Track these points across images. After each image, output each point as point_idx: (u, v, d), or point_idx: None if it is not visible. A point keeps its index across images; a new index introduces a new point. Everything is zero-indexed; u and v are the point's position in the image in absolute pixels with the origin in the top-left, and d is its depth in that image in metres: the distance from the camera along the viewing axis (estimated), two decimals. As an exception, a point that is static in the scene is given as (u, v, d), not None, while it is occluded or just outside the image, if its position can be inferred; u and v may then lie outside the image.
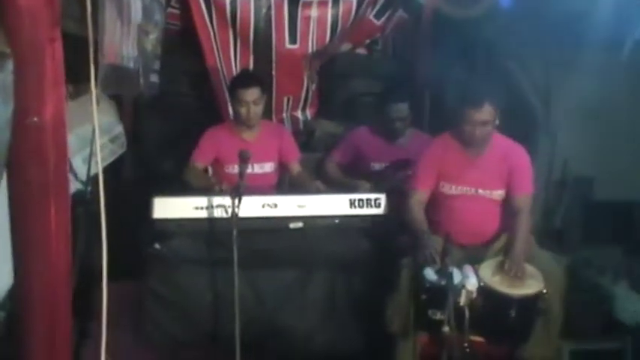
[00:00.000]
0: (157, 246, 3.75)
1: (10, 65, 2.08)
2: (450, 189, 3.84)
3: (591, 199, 5.13)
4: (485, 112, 3.66)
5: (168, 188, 4.21)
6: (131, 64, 3.57)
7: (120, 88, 3.79)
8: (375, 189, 4.29)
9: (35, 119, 2.18)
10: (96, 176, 2.88)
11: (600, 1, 4.30)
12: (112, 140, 4.30)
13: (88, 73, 2.50)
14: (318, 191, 4.14)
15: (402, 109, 4.58)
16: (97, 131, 2.58)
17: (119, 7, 3.10)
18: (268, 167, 4.48)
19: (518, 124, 4.37)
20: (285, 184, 4.59)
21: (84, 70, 2.51)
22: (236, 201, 3.52)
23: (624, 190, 4.92)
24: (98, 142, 2.92)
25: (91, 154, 3.28)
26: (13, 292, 2.50)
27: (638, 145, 4.79)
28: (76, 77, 2.76)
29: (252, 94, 4.24)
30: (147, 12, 3.69)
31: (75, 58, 2.56)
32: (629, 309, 4.31)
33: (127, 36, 3.31)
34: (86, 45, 2.52)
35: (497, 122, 3.73)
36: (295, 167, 4.56)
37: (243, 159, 3.76)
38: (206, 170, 4.50)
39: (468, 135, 3.73)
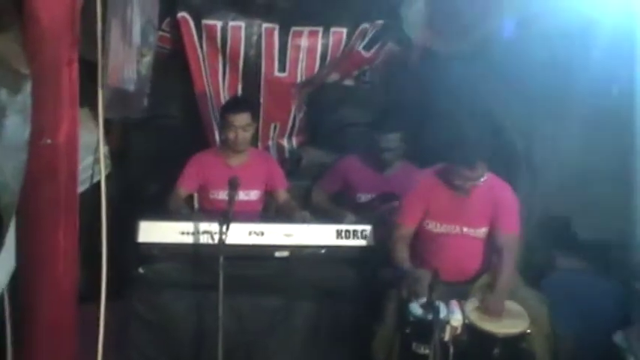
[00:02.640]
0: (142, 270, 3.72)
1: (29, 86, 2.07)
2: (436, 227, 3.87)
3: (570, 239, 5.16)
4: (478, 170, 3.70)
5: (153, 211, 4.19)
6: (132, 87, 3.57)
7: (122, 112, 3.78)
8: (362, 220, 4.29)
9: (49, 141, 2.16)
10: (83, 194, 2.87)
11: (585, 48, 4.37)
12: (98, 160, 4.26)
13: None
14: (303, 221, 4.12)
15: (392, 139, 4.59)
16: (102, 154, 2.55)
17: (123, 29, 3.10)
18: (254, 195, 4.46)
19: (501, 162, 4.40)
20: (271, 212, 4.57)
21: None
22: (224, 227, 3.51)
23: (602, 230, 4.95)
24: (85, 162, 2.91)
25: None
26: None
27: (614, 186, 4.82)
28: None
29: (242, 119, 4.25)
30: (143, 35, 3.69)
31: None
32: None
33: (128, 59, 3.31)
34: (86, 67, 2.51)
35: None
36: (282, 195, 4.54)
37: (233, 186, 3.76)
38: (192, 196, 4.46)
39: (458, 186, 3.78)
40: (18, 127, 2.00)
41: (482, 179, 3.74)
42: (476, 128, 4.63)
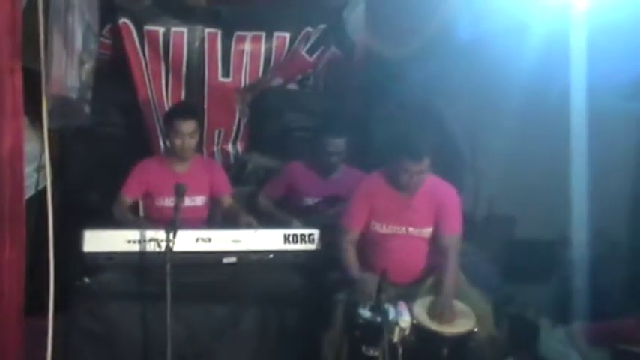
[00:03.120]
0: (87, 280, 3.66)
1: None
2: (382, 228, 3.89)
3: (514, 237, 5.26)
4: (424, 164, 3.73)
5: (96, 219, 4.13)
6: (74, 95, 3.51)
7: (64, 120, 3.71)
8: (308, 224, 4.30)
9: None
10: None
11: (529, 47, 4.46)
12: (37, 170, 4.19)
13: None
14: (249, 226, 4.10)
15: (338, 144, 4.61)
16: (48, 162, 2.50)
17: (65, 36, 3.05)
18: (199, 201, 4.44)
19: (445, 163, 4.45)
20: (216, 217, 4.55)
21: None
22: (171, 235, 3.49)
23: (544, 229, 5.05)
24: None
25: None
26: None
27: (557, 185, 4.92)
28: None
29: (189, 126, 4.22)
30: (85, 41, 3.63)
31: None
32: (552, 346, 4.40)
33: (71, 66, 3.26)
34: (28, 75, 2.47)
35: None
36: (227, 201, 4.52)
37: (179, 193, 3.73)
38: (136, 204, 4.42)
39: (404, 182, 3.79)
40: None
41: (425, 174, 3.77)
42: (421, 124, 4.71)
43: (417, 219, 3.88)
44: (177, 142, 4.24)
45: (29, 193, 3.68)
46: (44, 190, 4.28)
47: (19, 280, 2.39)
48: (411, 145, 3.76)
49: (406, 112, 5.01)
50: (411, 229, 3.87)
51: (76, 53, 3.41)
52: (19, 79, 2.20)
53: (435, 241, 3.90)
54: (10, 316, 2.39)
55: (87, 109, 4.14)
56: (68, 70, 3.23)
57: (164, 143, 4.76)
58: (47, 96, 2.52)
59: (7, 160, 2.17)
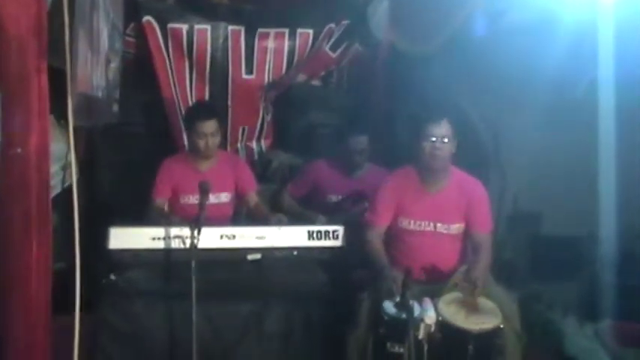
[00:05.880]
0: (113, 277, 3.67)
1: None
2: (409, 224, 3.85)
3: (539, 234, 5.21)
4: (444, 127, 3.69)
5: (121, 218, 4.15)
6: (101, 94, 3.52)
7: (91, 119, 3.73)
8: (332, 221, 4.29)
9: (19, 150, 2.12)
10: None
11: (554, 42, 4.41)
12: (64, 168, 4.22)
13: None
14: (280, 223, 4.09)
15: (361, 141, 4.60)
16: (73, 162, 2.51)
17: (91, 36, 3.06)
18: (224, 197, 4.44)
19: (470, 159, 4.42)
20: (241, 215, 4.55)
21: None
22: (195, 232, 3.49)
23: (571, 225, 5.00)
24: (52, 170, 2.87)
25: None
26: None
27: (584, 181, 4.88)
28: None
29: (210, 126, 4.23)
30: (110, 40, 3.65)
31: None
32: (578, 344, 4.35)
33: (96, 65, 3.27)
34: (51, 74, 2.47)
35: (454, 147, 3.76)
36: (253, 198, 4.52)
37: (204, 191, 3.74)
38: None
39: (427, 153, 3.72)
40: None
41: (449, 146, 3.71)
42: (441, 97, 4.69)
43: (445, 214, 3.83)
44: (200, 142, 4.24)
45: (55, 191, 3.70)
46: (70, 187, 4.35)
47: (46, 280, 2.39)
48: (430, 108, 3.74)
49: (429, 108, 5.00)
50: (438, 224, 3.82)
51: (102, 52, 3.42)
52: (44, 80, 2.21)
53: (465, 238, 3.87)
54: (39, 315, 2.40)
55: (115, 107, 4.16)
56: (94, 70, 3.24)
57: (188, 142, 4.77)
58: (72, 94, 2.53)
59: (34, 160, 2.18)
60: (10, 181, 2.16)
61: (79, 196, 3.91)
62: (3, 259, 2.28)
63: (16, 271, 2.28)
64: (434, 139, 3.69)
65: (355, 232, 4.01)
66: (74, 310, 2.70)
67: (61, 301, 2.71)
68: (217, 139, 4.33)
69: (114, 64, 3.89)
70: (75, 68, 2.69)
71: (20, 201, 2.22)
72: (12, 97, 2.09)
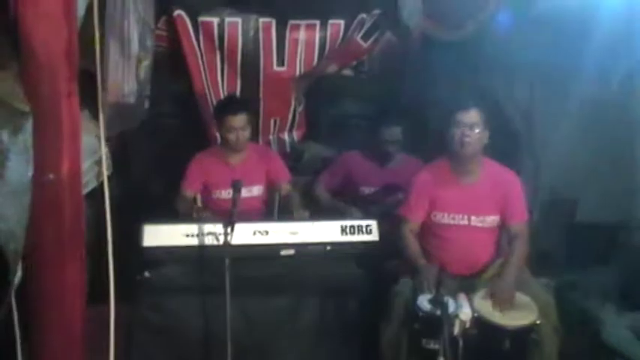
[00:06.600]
0: (147, 274, 3.70)
1: (29, 125, 2.05)
2: (443, 217, 3.82)
3: (576, 221, 5.15)
4: (474, 116, 3.66)
5: (155, 212, 4.18)
6: (132, 100, 3.53)
7: (123, 126, 3.76)
8: (366, 214, 4.27)
9: (52, 176, 2.14)
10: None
11: (590, 29, 4.34)
12: (98, 163, 4.24)
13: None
14: (302, 220, 4.10)
15: (395, 132, 4.58)
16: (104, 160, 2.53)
17: (122, 42, 3.06)
18: (256, 190, 4.46)
19: (503, 147, 4.38)
20: (274, 207, 4.55)
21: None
22: (228, 229, 3.50)
23: (608, 212, 4.94)
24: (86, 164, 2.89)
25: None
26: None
27: (620, 167, 4.81)
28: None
29: (240, 120, 4.24)
30: (141, 40, 3.64)
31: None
32: (616, 333, 4.30)
33: (128, 71, 3.27)
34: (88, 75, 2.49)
35: (486, 138, 3.73)
36: (285, 188, 4.53)
37: (236, 189, 3.75)
38: (195, 197, 4.45)
39: (457, 141, 3.69)
40: (20, 169, 1.98)
41: (479, 134, 3.67)
42: (472, 85, 4.65)
43: (479, 207, 3.79)
44: (231, 136, 4.26)
45: (91, 185, 3.72)
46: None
47: (81, 303, 2.41)
48: (459, 96, 3.73)
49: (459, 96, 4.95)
50: (473, 217, 3.79)
51: (132, 57, 3.42)
52: (76, 103, 2.22)
53: (499, 230, 3.83)
54: (74, 340, 2.44)
55: (146, 104, 4.16)
56: (125, 76, 3.24)
57: (219, 134, 4.78)
58: (104, 107, 2.54)
59: (67, 183, 2.20)
60: (43, 206, 2.17)
61: (113, 190, 3.96)
62: (38, 282, 2.30)
63: (52, 295, 2.30)
64: (463, 127, 3.66)
65: (388, 223, 4.00)
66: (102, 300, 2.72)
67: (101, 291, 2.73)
68: (247, 133, 4.34)
69: (146, 62, 3.89)
70: (106, 79, 2.70)
71: (54, 226, 2.23)
72: (44, 122, 2.10)
